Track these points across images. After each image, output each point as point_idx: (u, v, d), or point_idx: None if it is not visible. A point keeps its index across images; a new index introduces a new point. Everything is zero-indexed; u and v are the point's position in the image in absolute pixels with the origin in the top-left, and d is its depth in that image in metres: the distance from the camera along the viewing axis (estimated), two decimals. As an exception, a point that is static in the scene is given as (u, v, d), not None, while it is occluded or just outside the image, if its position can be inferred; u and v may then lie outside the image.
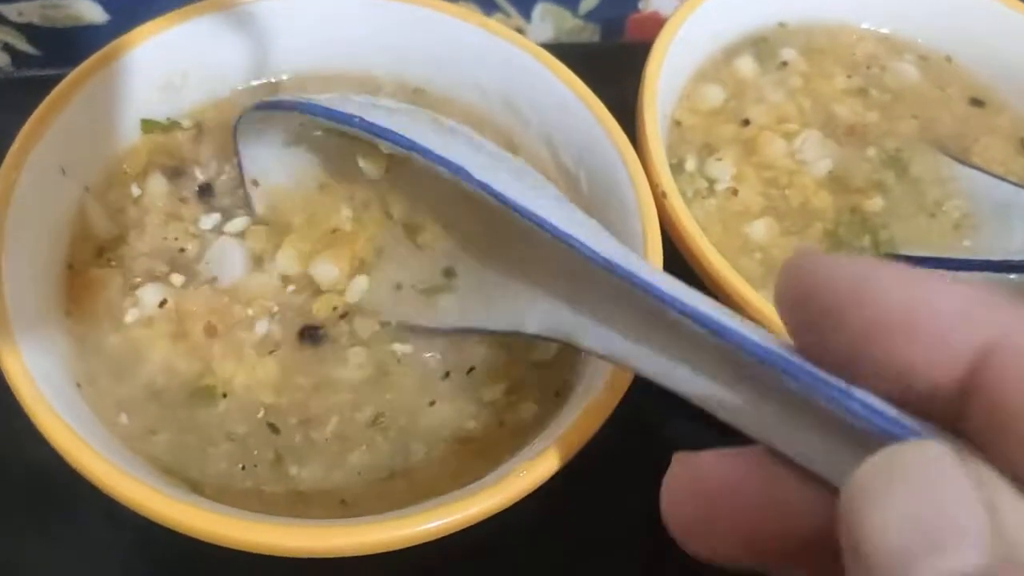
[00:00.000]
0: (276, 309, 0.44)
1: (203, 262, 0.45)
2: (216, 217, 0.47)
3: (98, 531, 0.45)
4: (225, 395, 0.42)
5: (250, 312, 0.44)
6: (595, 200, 0.48)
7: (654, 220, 0.45)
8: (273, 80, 0.52)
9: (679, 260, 0.46)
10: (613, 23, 0.75)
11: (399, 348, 0.44)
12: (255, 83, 0.52)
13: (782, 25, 0.59)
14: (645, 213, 0.45)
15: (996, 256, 0.51)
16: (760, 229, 0.51)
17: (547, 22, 0.74)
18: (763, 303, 0.44)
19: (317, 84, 0.52)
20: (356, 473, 0.42)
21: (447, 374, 0.43)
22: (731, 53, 0.58)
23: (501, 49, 0.50)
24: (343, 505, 0.41)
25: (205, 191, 0.48)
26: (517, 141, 0.52)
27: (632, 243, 0.45)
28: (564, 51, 0.59)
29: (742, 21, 0.58)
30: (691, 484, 0.25)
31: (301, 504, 0.41)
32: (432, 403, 0.43)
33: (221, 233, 0.46)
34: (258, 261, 0.45)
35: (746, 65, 0.57)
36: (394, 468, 0.42)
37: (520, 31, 0.72)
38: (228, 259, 0.45)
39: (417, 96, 0.53)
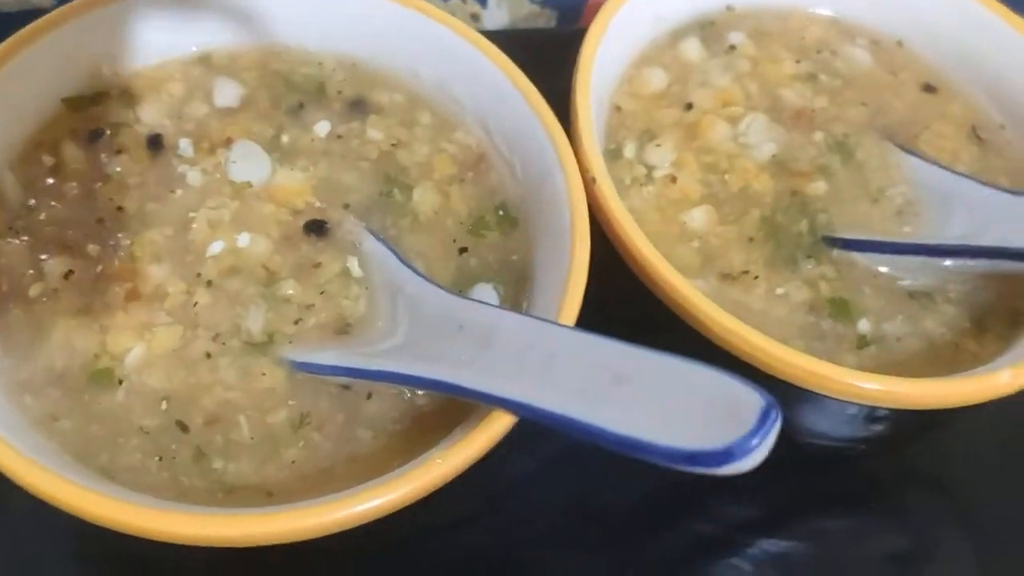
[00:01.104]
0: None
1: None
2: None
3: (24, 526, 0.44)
4: (121, 381, 0.41)
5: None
6: (529, 186, 0.48)
7: (583, 208, 0.44)
8: (196, 50, 0.52)
9: (610, 247, 0.45)
10: (570, 9, 0.74)
11: None
12: (186, 54, 0.51)
13: (730, 8, 0.58)
14: (574, 201, 0.44)
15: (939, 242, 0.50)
16: (698, 217, 0.50)
17: (503, 8, 0.73)
18: (689, 289, 0.43)
19: (252, 56, 0.52)
20: (290, 463, 0.41)
21: None
22: (677, 36, 0.57)
23: (436, 33, 0.50)
24: (269, 496, 0.40)
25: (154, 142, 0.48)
26: (454, 122, 0.51)
27: (560, 231, 0.44)
28: (518, 37, 0.59)
29: (688, 4, 0.57)
30: None
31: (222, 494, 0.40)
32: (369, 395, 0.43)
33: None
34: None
35: (692, 49, 0.56)
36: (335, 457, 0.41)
37: (476, 17, 0.71)
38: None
39: (355, 69, 0.52)
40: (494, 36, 0.66)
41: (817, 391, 0.42)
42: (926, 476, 0.54)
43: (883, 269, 0.50)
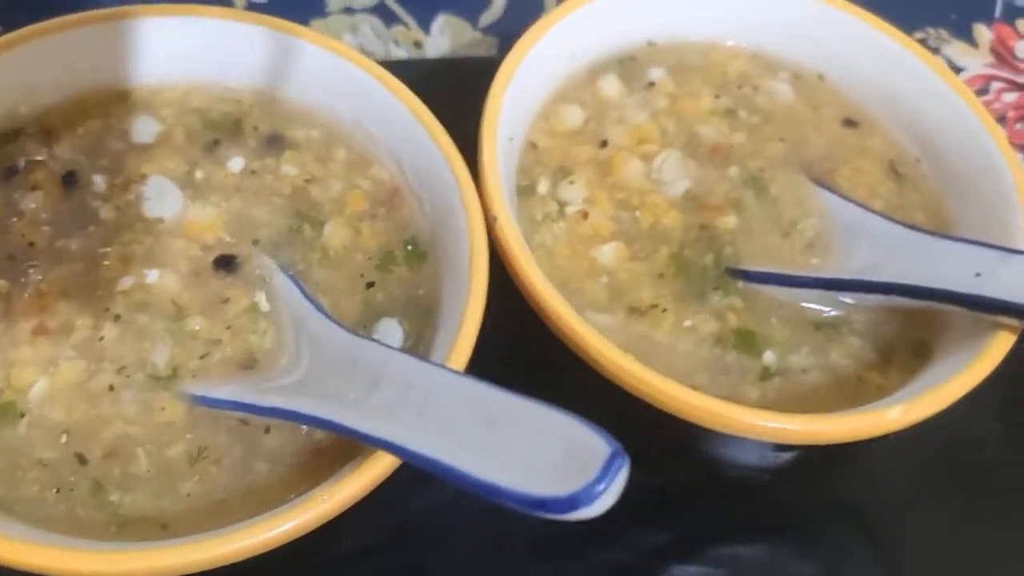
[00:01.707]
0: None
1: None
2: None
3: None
4: (23, 415, 0.42)
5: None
6: (436, 223, 0.49)
7: (481, 246, 0.45)
8: (116, 86, 0.53)
9: (511, 286, 0.46)
10: (512, 37, 0.74)
11: None
12: (105, 90, 0.53)
13: (651, 44, 0.59)
14: (473, 239, 0.45)
15: (840, 275, 0.50)
16: (608, 253, 0.51)
17: (445, 36, 0.74)
18: (584, 328, 0.44)
19: (172, 93, 0.53)
20: (186, 496, 0.42)
21: None
22: (596, 73, 0.58)
23: (351, 73, 0.51)
24: (164, 529, 0.41)
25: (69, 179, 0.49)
26: (370, 158, 0.52)
27: (461, 268, 0.45)
28: (457, 65, 0.59)
29: (607, 39, 0.57)
30: None
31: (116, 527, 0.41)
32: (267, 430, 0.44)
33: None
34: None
35: (610, 85, 0.57)
36: (231, 490, 0.42)
37: (419, 44, 0.72)
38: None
39: (273, 105, 0.53)
40: (434, 64, 0.68)
41: (707, 426, 0.43)
42: (840, 502, 0.54)
43: (787, 300, 0.50)
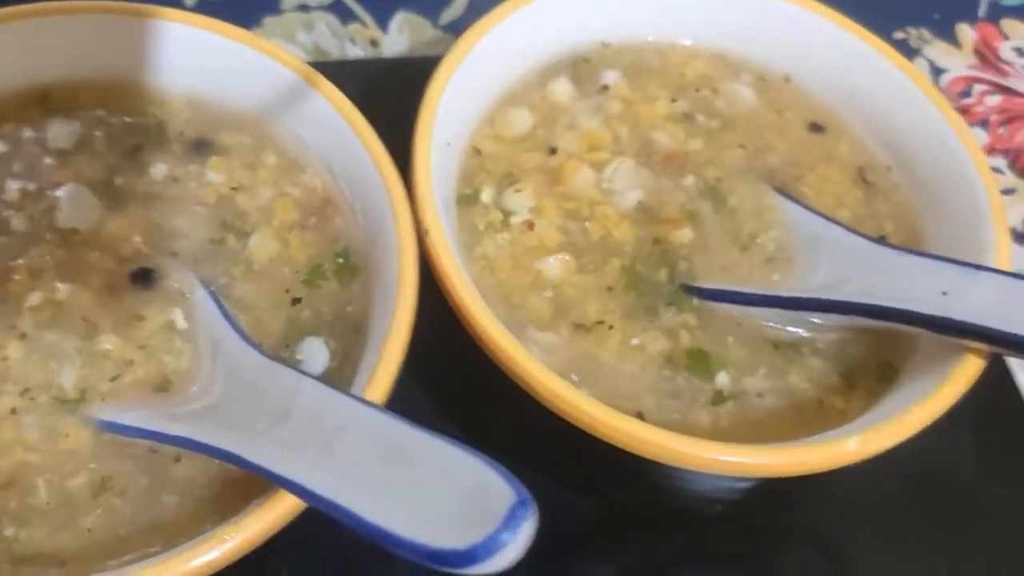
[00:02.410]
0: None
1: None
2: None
3: None
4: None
5: None
6: (368, 234, 0.46)
7: (410, 261, 0.42)
8: (35, 87, 0.50)
9: (443, 301, 0.43)
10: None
11: None
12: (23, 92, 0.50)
13: (606, 44, 0.56)
14: (402, 253, 0.42)
15: (799, 292, 0.47)
16: (554, 266, 0.48)
17: (404, 34, 0.71)
18: (518, 351, 0.41)
19: (93, 95, 0.51)
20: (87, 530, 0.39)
21: None
22: (547, 75, 0.54)
23: (281, 75, 0.48)
24: (61, 566, 0.38)
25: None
26: (302, 164, 0.49)
27: (390, 284, 0.42)
28: (408, 65, 0.56)
29: (558, 39, 0.54)
30: None
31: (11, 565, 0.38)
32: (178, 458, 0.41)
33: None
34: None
35: (561, 88, 0.54)
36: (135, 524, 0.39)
37: (375, 43, 0.69)
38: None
39: (201, 109, 0.50)
40: (387, 64, 0.65)
41: (645, 456, 0.40)
42: (802, 529, 0.51)
43: (746, 318, 0.47)
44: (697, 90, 0.56)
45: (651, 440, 0.39)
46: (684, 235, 0.49)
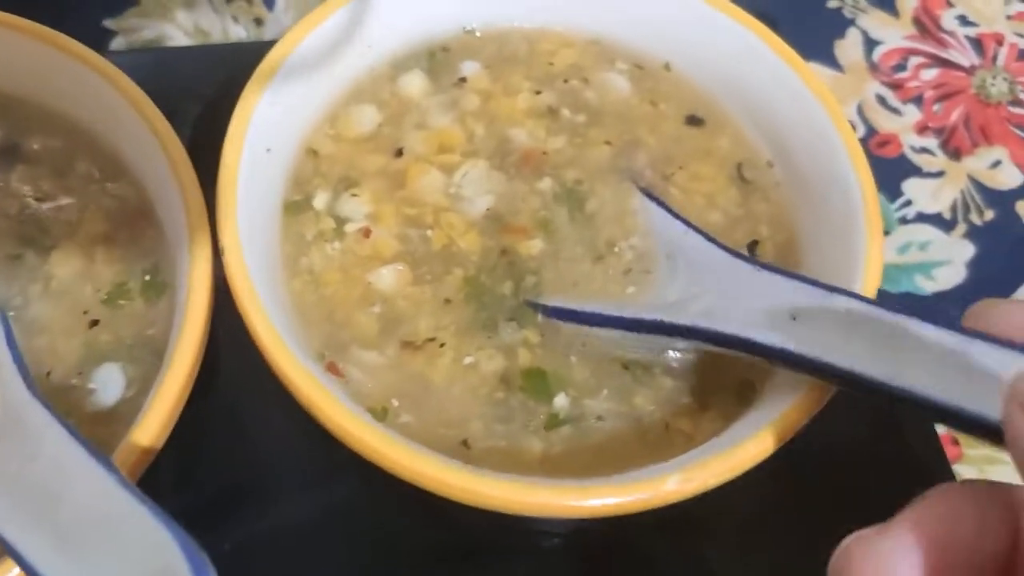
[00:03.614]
0: None
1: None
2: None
3: None
4: None
5: None
6: (176, 249, 0.42)
7: (202, 283, 0.39)
8: None
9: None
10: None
11: None
12: None
13: (469, 32, 0.52)
14: (194, 273, 0.39)
15: (650, 308, 0.44)
16: (387, 277, 0.45)
17: (290, 11, 0.67)
18: (311, 385, 0.38)
19: None
20: None
21: None
22: (401, 67, 0.50)
23: (75, 70, 0.44)
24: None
25: None
26: (115, 172, 0.47)
27: (182, 305, 0.39)
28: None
29: (414, 26, 0.50)
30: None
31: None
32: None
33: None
34: None
35: (413, 82, 0.50)
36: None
37: (259, 21, 0.66)
38: None
39: (13, 109, 0.47)
40: (249, 49, 0.62)
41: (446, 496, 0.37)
42: (656, 554, 0.48)
43: (590, 337, 0.44)
44: (565, 81, 0.52)
45: (430, 476, 0.36)
46: (534, 246, 0.46)
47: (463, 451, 0.41)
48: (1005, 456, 0.30)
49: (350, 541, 0.44)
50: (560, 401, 0.43)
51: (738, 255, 0.43)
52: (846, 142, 0.47)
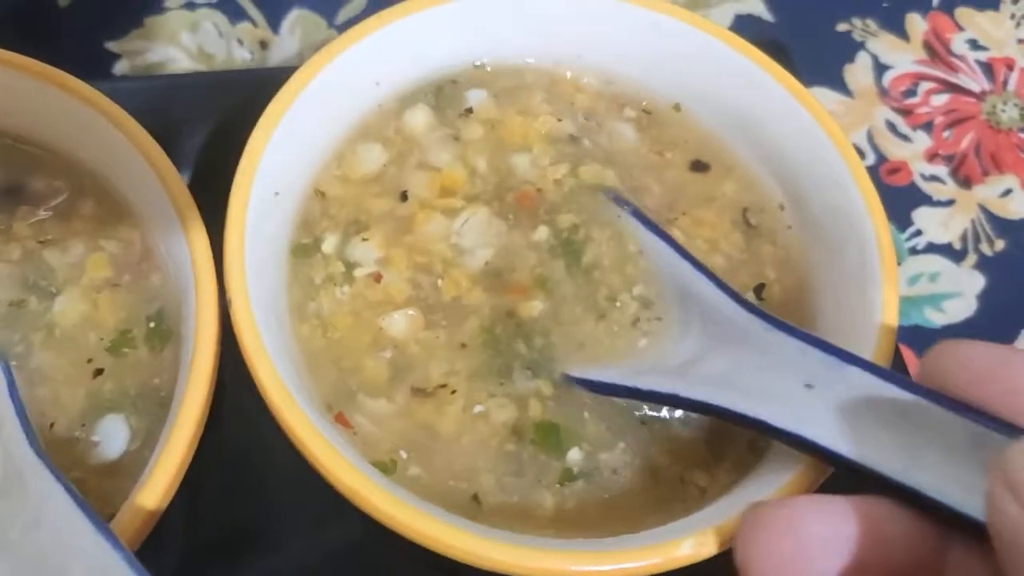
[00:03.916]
0: None
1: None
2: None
3: None
4: None
5: None
6: (181, 296, 0.41)
7: (209, 335, 0.38)
8: None
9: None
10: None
11: None
12: None
13: (479, 67, 0.51)
14: (200, 325, 0.38)
15: (666, 364, 0.43)
16: (399, 322, 0.44)
17: (296, 34, 0.66)
18: (313, 437, 0.37)
19: None
20: None
21: None
22: (407, 102, 0.49)
23: (86, 116, 0.43)
24: None
25: None
26: (120, 214, 0.46)
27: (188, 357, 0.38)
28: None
29: (422, 62, 0.49)
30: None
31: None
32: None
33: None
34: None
35: (418, 117, 0.49)
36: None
37: (264, 44, 0.64)
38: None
39: (13, 149, 0.46)
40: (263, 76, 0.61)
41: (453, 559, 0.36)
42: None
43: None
44: (586, 119, 0.50)
45: (437, 539, 0.35)
46: (534, 307, 0.45)
47: (473, 506, 0.40)
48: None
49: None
50: (574, 456, 0.42)
51: (753, 310, 0.42)
52: (861, 188, 0.46)
